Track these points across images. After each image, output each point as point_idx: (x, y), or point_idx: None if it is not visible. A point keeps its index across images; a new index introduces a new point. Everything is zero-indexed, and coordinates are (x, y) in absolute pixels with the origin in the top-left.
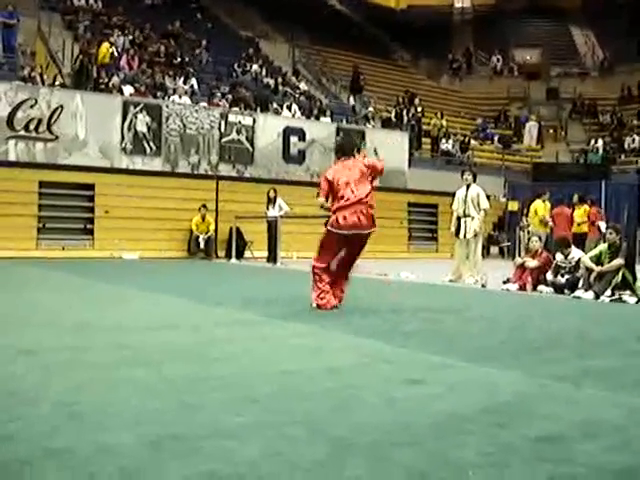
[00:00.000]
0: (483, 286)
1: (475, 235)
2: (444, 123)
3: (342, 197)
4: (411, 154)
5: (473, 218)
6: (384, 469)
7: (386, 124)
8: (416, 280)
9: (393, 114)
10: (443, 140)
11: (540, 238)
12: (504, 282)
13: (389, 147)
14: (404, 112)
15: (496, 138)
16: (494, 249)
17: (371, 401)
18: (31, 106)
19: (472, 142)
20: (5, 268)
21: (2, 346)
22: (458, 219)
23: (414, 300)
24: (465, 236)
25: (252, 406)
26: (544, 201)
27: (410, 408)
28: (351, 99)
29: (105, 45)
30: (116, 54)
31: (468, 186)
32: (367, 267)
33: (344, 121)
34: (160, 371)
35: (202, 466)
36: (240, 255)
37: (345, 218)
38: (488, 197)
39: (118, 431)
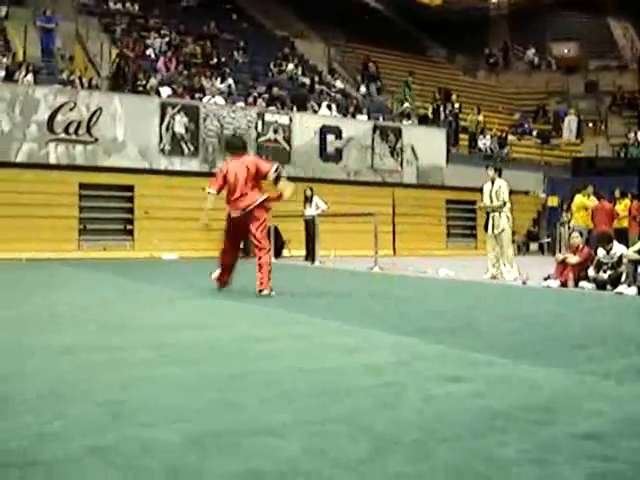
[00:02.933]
0: (524, 283)
1: (503, 230)
2: (481, 119)
3: (233, 191)
4: (448, 151)
5: (500, 213)
6: (426, 466)
7: (423, 121)
8: (455, 277)
9: (430, 111)
10: (481, 136)
11: (581, 233)
12: (545, 279)
13: (426, 144)
14: (441, 109)
15: (535, 133)
16: (534, 245)
17: (411, 399)
18: (70, 109)
19: (510, 137)
20: (47, 268)
21: (46, 345)
22: (487, 214)
23: (453, 298)
24: (492, 231)
25: (292, 403)
26: (586, 195)
27: (450, 405)
28: (362, 88)
29: None
30: (153, 56)
31: (494, 181)
32: (405, 264)
33: (381, 119)
34: (200, 369)
35: (244, 463)
36: (278, 254)
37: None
38: (526, 193)
39: (161, 429)
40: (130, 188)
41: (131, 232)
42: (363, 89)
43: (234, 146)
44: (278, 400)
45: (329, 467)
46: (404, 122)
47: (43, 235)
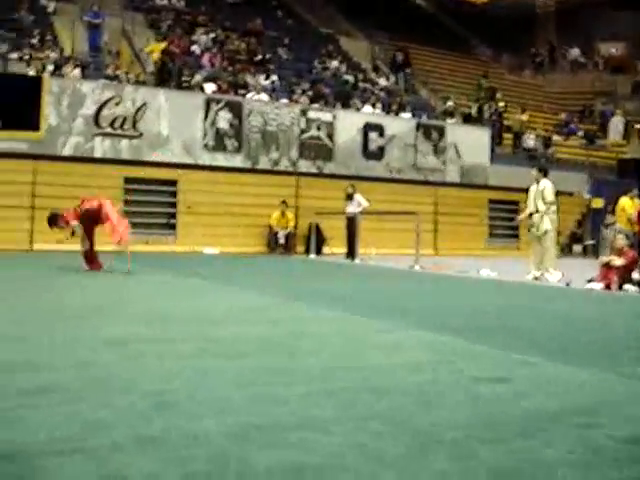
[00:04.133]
0: (567, 285)
1: (546, 232)
2: (526, 118)
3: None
4: (492, 150)
5: (544, 214)
6: (469, 465)
7: (467, 120)
8: (497, 278)
9: (474, 109)
10: (525, 135)
11: (627, 236)
12: (588, 281)
13: (470, 143)
14: (485, 107)
15: (580, 133)
16: (577, 247)
17: (454, 397)
18: (116, 104)
19: (555, 137)
20: None
21: (93, 337)
22: (530, 215)
23: (495, 298)
24: (537, 232)
25: (335, 399)
26: (631, 198)
27: (493, 405)
28: (391, 77)
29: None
30: (198, 52)
31: (539, 181)
32: (446, 263)
33: (424, 117)
34: (245, 363)
35: (287, 457)
36: (319, 251)
37: None
38: (571, 194)
39: (206, 420)
40: (173, 183)
41: (174, 226)
42: (392, 78)
43: None
44: (321, 396)
45: (371, 463)
46: (448, 120)
47: None
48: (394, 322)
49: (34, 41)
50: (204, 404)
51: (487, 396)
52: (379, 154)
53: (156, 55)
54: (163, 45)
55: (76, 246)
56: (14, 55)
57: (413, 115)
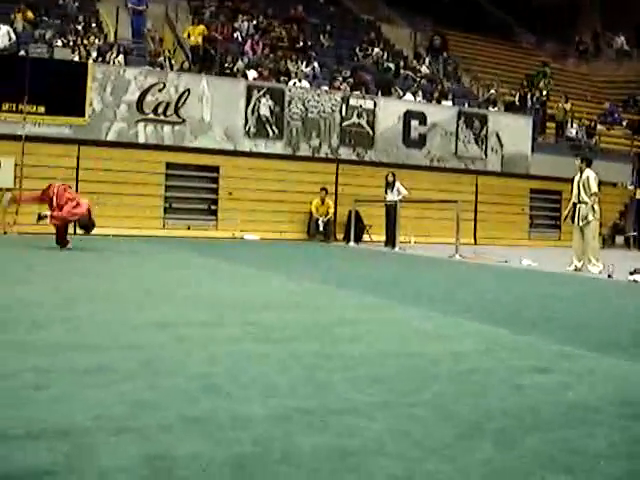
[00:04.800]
0: (609, 276)
1: (588, 222)
2: (569, 107)
3: None
4: (534, 139)
5: (586, 204)
6: (513, 454)
7: (509, 108)
8: (538, 268)
9: (517, 97)
10: (568, 125)
11: None
12: (631, 273)
13: (512, 131)
14: (528, 96)
15: (624, 123)
16: (619, 238)
17: (497, 387)
18: (159, 90)
19: (599, 127)
20: (134, 245)
21: (141, 320)
22: (574, 205)
23: (536, 288)
24: (579, 223)
25: (379, 385)
26: None
27: (537, 396)
28: (427, 60)
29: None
30: (240, 39)
31: (582, 171)
32: (486, 253)
33: (466, 105)
34: (289, 348)
35: (331, 440)
36: (358, 238)
37: None
38: (614, 184)
39: (251, 403)
40: (215, 169)
41: (215, 212)
42: (427, 61)
43: None
44: (365, 382)
45: (415, 449)
46: (490, 109)
47: (130, 212)
48: (435, 310)
49: (79, 28)
50: (249, 387)
51: (530, 386)
52: (420, 142)
53: (193, 38)
54: (200, 28)
55: (124, 230)
56: (59, 42)
57: (455, 103)
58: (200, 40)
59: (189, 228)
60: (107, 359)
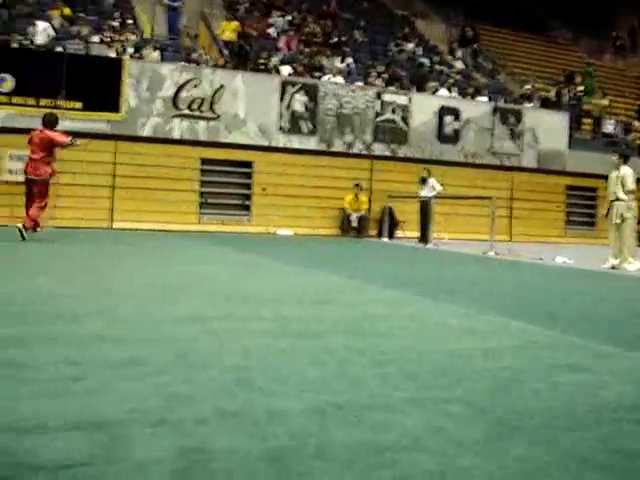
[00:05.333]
0: None
1: (624, 220)
2: (606, 103)
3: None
4: (571, 135)
5: (623, 202)
6: (549, 452)
7: (545, 104)
8: (573, 266)
9: (553, 93)
10: (605, 121)
11: None
12: None
13: (548, 127)
14: (564, 91)
15: None
16: None
17: (532, 385)
18: (195, 86)
19: (636, 123)
20: (170, 240)
21: (173, 313)
22: (610, 203)
23: (571, 286)
24: (615, 220)
25: (412, 382)
26: None
27: (574, 394)
28: (459, 52)
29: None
30: (275, 35)
31: (619, 168)
32: (521, 250)
33: (501, 100)
34: (321, 343)
35: (366, 435)
36: (391, 234)
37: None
38: None
39: (285, 397)
40: (249, 164)
41: (248, 207)
42: (460, 53)
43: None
44: (398, 377)
45: (450, 445)
46: (525, 104)
47: (165, 207)
48: (469, 307)
49: (115, 24)
50: (282, 381)
51: (566, 384)
52: (454, 138)
53: (227, 34)
54: (234, 25)
55: (160, 225)
56: (95, 38)
57: (490, 99)
58: (234, 36)
59: (223, 223)
60: (141, 352)
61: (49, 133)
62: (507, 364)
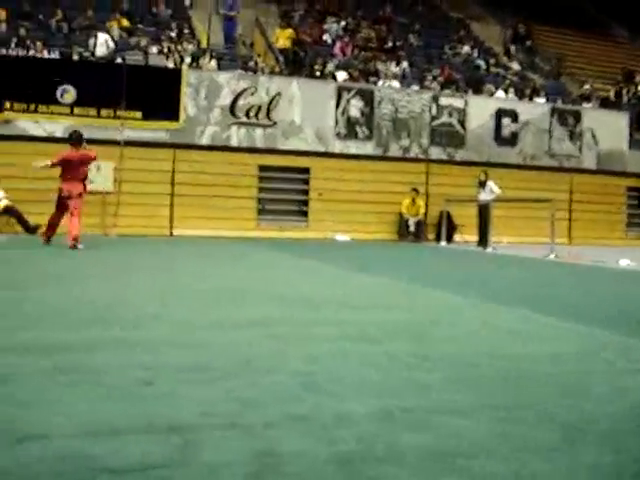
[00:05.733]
0: None
1: None
2: None
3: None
4: (631, 135)
5: None
6: (618, 457)
7: (604, 104)
8: (637, 268)
9: (612, 93)
10: None
11: None
12: None
13: (607, 128)
14: (624, 91)
15: None
16: None
17: (599, 389)
18: (252, 94)
19: None
20: (230, 246)
21: (236, 318)
22: None
23: (637, 289)
24: None
25: (478, 387)
26: None
27: None
28: (512, 48)
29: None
30: (329, 41)
31: None
32: (582, 253)
33: (559, 101)
34: (384, 347)
35: (434, 440)
36: (450, 239)
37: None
38: None
39: (351, 401)
40: (306, 170)
41: (306, 213)
42: (513, 50)
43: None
44: (464, 383)
45: (517, 451)
46: (584, 105)
47: (224, 214)
48: (533, 311)
49: (172, 34)
50: (348, 386)
51: (635, 388)
52: (512, 140)
53: (282, 41)
54: (288, 32)
55: (218, 232)
56: (154, 48)
57: (547, 100)
58: (288, 43)
59: (281, 229)
60: (206, 356)
61: (84, 151)
62: (574, 368)
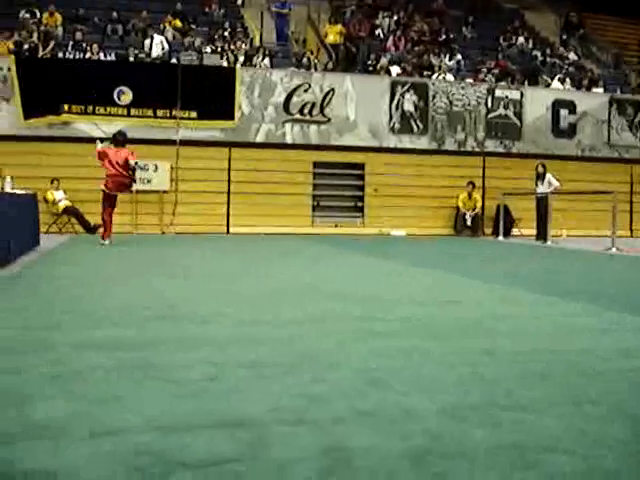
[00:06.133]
0: None
1: None
2: None
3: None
4: None
5: None
6: None
7: None
8: None
9: None
10: None
11: None
12: None
13: None
14: None
15: None
16: None
17: None
18: (305, 90)
19: None
20: (286, 243)
21: (293, 315)
22: None
23: None
24: None
25: (546, 382)
26: None
27: None
28: (564, 37)
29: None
30: (382, 36)
31: None
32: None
33: (618, 91)
34: (450, 343)
35: (505, 436)
36: (507, 233)
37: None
38: None
39: (418, 397)
40: (361, 166)
41: (361, 209)
42: (562, 36)
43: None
44: (532, 378)
45: (593, 447)
46: None
47: (280, 211)
48: (598, 305)
49: (226, 34)
50: (413, 382)
51: None
52: (570, 132)
53: (332, 37)
54: (337, 28)
55: (274, 229)
56: (208, 48)
57: (606, 90)
58: (338, 39)
59: (336, 225)
60: (270, 353)
61: (127, 151)
62: None
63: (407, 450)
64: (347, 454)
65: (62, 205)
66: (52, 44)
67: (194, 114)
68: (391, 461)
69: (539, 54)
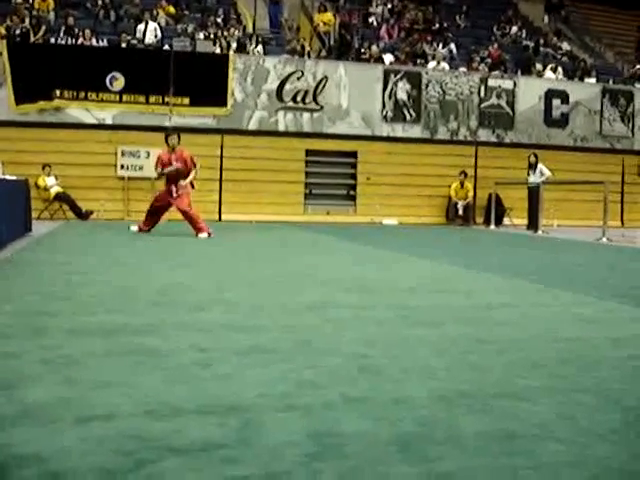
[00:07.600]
0: None
1: None
2: None
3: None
4: None
5: None
6: None
7: None
8: None
9: None
10: None
11: None
12: None
13: None
14: None
15: None
16: None
17: None
18: (298, 78)
19: None
20: (278, 231)
21: (290, 302)
22: None
23: None
24: None
25: (538, 370)
26: None
27: None
28: (546, 17)
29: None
30: (375, 24)
31: None
32: (635, 236)
33: (611, 81)
34: (442, 331)
35: (495, 423)
36: (499, 222)
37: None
38: None
39: (410, 384)
40: (353, 154)
41: (353, 197)
42: (546, 19)
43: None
44: (524, 366)
45: (582, 434)
46: (636, 85)
47: (271, 199)
48: (589, 295)
49: (218, 20)
50: (405, 369)
51: None
52: (562, 122)
53: (322, 25)
54: (327, 16)
55: (266, 217)
56: (200, 35)
57: (598, 80)
58: (329, 27)
59: (328, 213)
60: (264, 339)
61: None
62: (636, 353)
63: (397, 436)
64: (337, 439)
65: (54, 191)
66: (44, 29)
67: (186, 100)
68: (381, 447)
69: (532, 43)
